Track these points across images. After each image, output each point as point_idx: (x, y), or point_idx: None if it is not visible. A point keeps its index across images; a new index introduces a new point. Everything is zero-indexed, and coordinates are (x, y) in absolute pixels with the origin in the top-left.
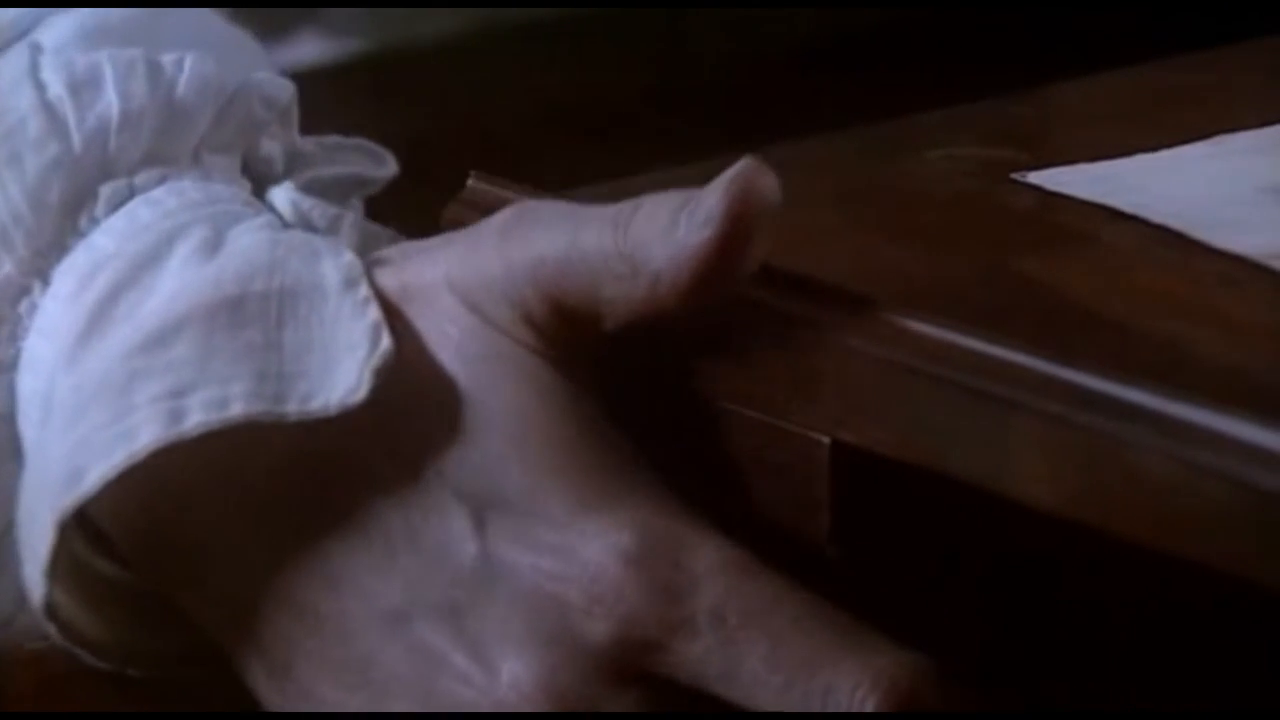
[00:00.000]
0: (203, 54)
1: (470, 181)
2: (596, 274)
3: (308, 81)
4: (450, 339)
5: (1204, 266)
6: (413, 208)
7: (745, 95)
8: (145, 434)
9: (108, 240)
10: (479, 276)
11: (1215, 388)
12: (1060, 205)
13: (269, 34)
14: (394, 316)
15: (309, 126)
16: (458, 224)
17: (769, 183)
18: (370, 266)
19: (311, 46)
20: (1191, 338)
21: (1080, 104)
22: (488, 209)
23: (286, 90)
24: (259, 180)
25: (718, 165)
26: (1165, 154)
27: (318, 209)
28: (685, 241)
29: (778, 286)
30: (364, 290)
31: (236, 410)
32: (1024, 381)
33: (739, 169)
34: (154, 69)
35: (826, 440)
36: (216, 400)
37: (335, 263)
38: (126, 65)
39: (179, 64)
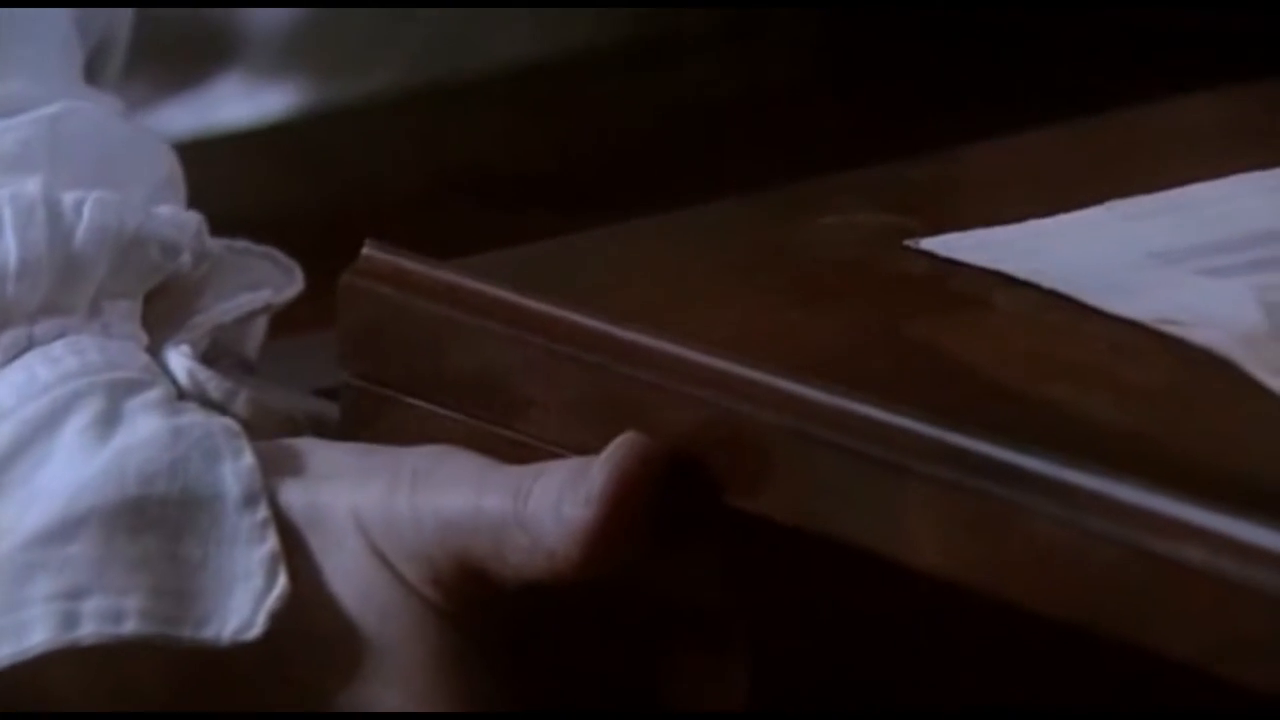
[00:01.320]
0: (103, 194)
1: (365, 250)
2: (500, 542)
3: (220, 144)
4: (354, 583)
5: (1096, 332)
6: (319, 274)
7: (654, 158)
8: (37, 634)
9: (4, 392)
10: (389, 526)
11: (1108, 453)
12: (953, 271)
13: (188, 82)
14: (298, 542)
15: (220, 190)
16: (354, 294)
17: (652, 456)
18: (276, 468)
19: (231, 95)
20: (1083, 403)
21: (974, 170)
22: (384, 279)
23: (188, 229)
24: (159, 295)
25: (623, 230)
26: (1058, 219)
27: (213, 381)
28: (571, 519)
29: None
30: (262, 511)
31: (130, 626)
32: (916, 447)
33: (620, 444)
34: (54, 213)
35: None
36: (111, 612)
37: (235, 468)
38: (27, 209)
39: (78, 209)
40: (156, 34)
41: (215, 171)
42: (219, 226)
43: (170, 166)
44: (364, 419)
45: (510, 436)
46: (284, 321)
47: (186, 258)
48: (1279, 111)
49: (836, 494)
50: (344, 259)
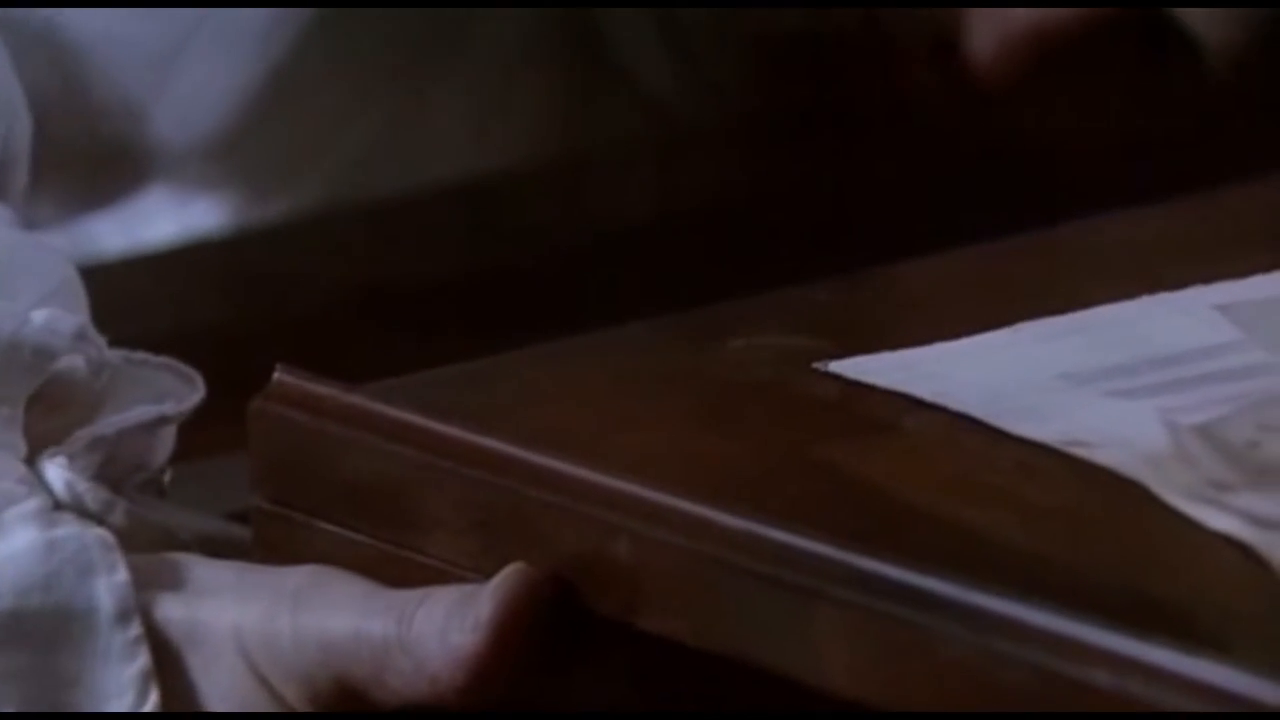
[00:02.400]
0: None
1: (276, 375)
2: (382, 664)
3: (146, 262)
4: (232, 701)
5: (1004, 454)
6: (241, 394)
7: (562, 278)
8: None
9: None
10: (269, 645)
11: (1016, 576)
12: (862, 394)
13: (112, 198)
14: (176, 658)
15: (146, 307)
16: (265, 419)
17: (541, 585)
18: (156, 583)
19: (157, 212)
20: (992, 525)
21: (882, 292)
22: (294, 403)
23: (64, 333)
24: (55, 407)
25: (534, 353)
26: (965, 341)
27: (91, 493)
28: (458, 645)
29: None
30: (135, 628)
31: None
32: (826, 571)
33: (509, 574)
34: None
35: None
36: None
37: (109, 584)
38: None
39: None
40: (75, 150)
41: (140, 289)
42: (142, 344)
43: (64, 277)
44: (275, 543)
45: (420, 560)
46: (202, 442)
47: (79, 364)
48: (1186, 232)
49: (747, 618)
50: (267, 378)
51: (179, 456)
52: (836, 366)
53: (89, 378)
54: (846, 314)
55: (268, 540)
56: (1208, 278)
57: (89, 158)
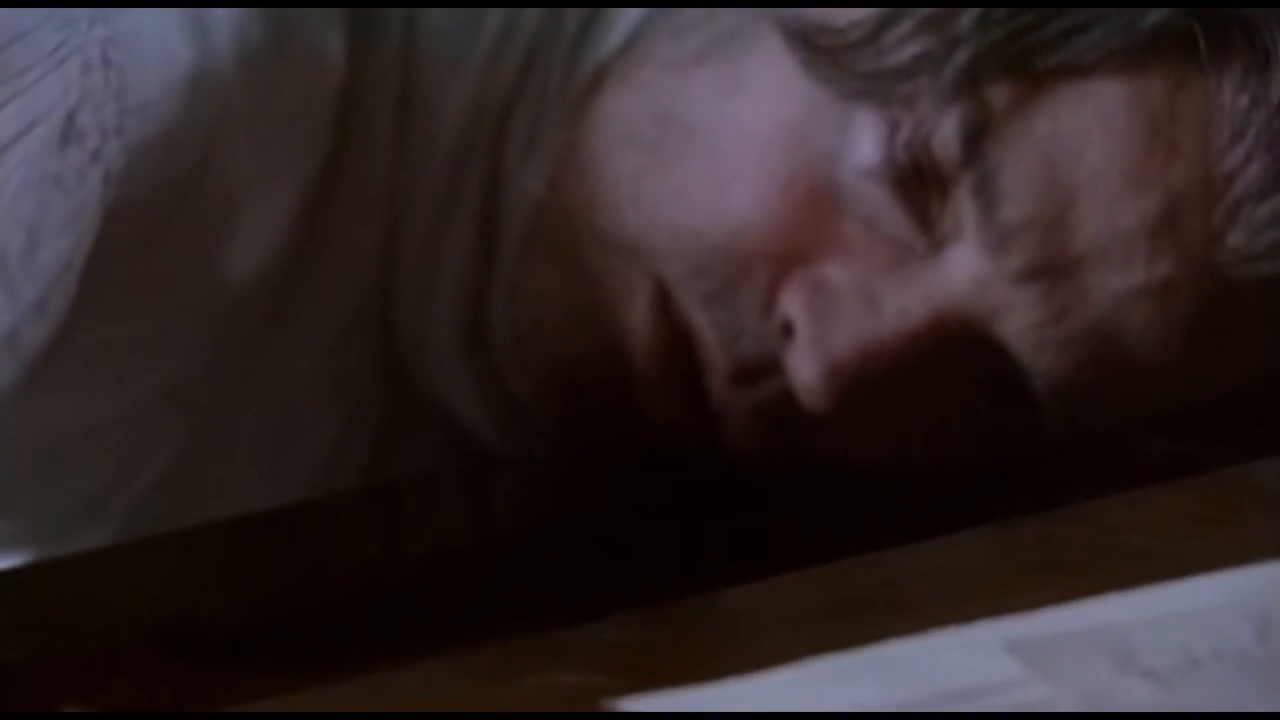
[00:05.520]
0: None
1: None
2: None
3: None
4: None
5: None
6: None
7: (364, 609)
8: None
9: None
10: None
11: None
12: None
13: None
14: None
15: None
16: None
17: None
18: None
19: None
20: None
21: (673, 628)
22: None
23: None
24: None
25: (330, 693)
26: (755, 680)
27: None
28: None
29: None
30: None
31: None
32: None
33: None
34: None
35: None
36: None
37: None
38: None
39: None
40: None
41: None
42: None
43: None
44: None
45: None
46: None
47: None
48: (981, 564)
49: None
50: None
51: None
52: (626, 704)
53: None
54: (638, 651)
55: None
56: (998, 611)
57: None
